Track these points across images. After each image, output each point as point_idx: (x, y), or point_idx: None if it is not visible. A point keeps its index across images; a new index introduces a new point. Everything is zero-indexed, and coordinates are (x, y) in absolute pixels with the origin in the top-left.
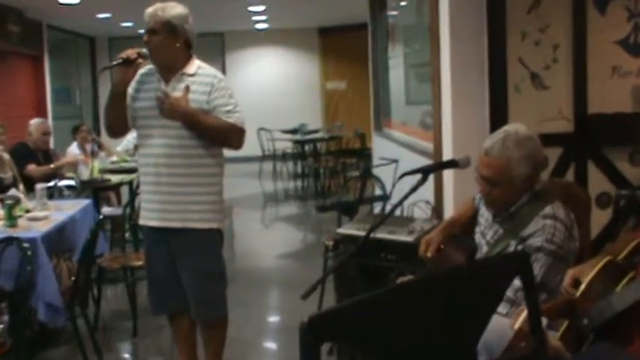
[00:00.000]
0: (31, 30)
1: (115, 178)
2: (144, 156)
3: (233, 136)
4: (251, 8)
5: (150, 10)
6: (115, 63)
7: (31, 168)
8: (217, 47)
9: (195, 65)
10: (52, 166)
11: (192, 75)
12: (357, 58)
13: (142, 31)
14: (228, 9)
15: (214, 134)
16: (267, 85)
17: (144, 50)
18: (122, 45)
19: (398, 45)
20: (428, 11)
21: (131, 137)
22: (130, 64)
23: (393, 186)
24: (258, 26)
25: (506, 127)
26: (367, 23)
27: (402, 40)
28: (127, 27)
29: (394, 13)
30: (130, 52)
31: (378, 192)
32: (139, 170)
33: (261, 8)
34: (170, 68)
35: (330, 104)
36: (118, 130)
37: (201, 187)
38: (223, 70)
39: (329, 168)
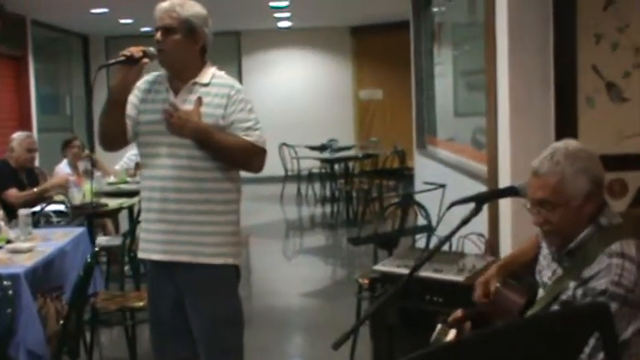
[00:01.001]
0: (12, 26)
1: (112, 203)
2: (148, 178)
3: (253, 157)
4: (272, 3)
5: (165, 4)
6: (115, 60)
7: (12, 193)
8: (232, 49)
9: (210, 73)
10: (35, 190)
11: (206, 85)
12: (396, 62)
13: (145, 29)
14: (246, 4)
15: (231, 155)
16: (291, 94)
17: (151, 49)
18: (120, 45)
19: (445, 47)
20: (482, 7)
21: (131, 154)
22: (133, 64)
23: (441, 217)
24: (281, 24)
25: (553, 144)
26: (408, 21)
27: (451, 42)
28: (126, 24)
29: (442, 9)
30: (135, 50)
31: (421, 222)
32: (142, 194)
33: (284, 3)
34: (182, 76)
35: (364, 116)
36: (113, 142)
37: (216, 215)
38: (239, 76)
39: (363, 191)
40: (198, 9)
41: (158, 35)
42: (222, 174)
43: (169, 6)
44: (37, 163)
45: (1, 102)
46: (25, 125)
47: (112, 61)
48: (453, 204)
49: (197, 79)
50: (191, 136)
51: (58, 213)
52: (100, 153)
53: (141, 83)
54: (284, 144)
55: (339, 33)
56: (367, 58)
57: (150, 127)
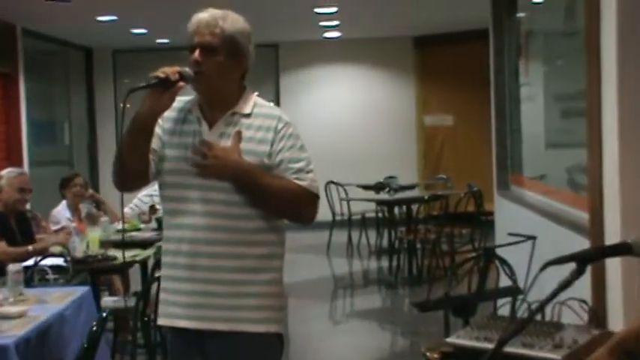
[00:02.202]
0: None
1: (122, 255)
2: (174, 227)
3: (305, 205)
4: (318, 9)
5: (205, 16)
6: (148, 84)
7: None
8: (268, 64)
9: (251, 102)
10: (30, 248)
11: (248, 115)
12: (471, 81)
13: (161, 41)
14: (286, 10)
15: (279, 203)
16: (339, 120)
17: (187, 70)
18: (131, 60)
19: (535, 63)
20: (583, 13)
21: (144, 195)
22: (167, 87)
23: (533, 280)
24: (328, 34)
25: None
26: (487, 30)
27: (542, 56)
28: (139, 35)
29: (530, 14)
30: (170, 71)
31: (504, 282)
32: (165, 247)
33: (332, 9)
34: (220, 104)
35: (430, 148)
36: (134, 181)
37: (256, 273)
38: (277, 97)
39: (430, 242)
40: (243, 24)
41: (196, 54)
42: (264, 223)
43: (211, 19)
44: (29, 205)
45: None
46: (14, 158)
47: (144, 84)
48: (547, 264)
49: (237, 109)
50: (231, 179)
51: (55, 268)
52: (106, 193)
53: (167, 111)
54: (331, 182)
55: (400, 45)
56: (434, 76)
57: (177, 165)
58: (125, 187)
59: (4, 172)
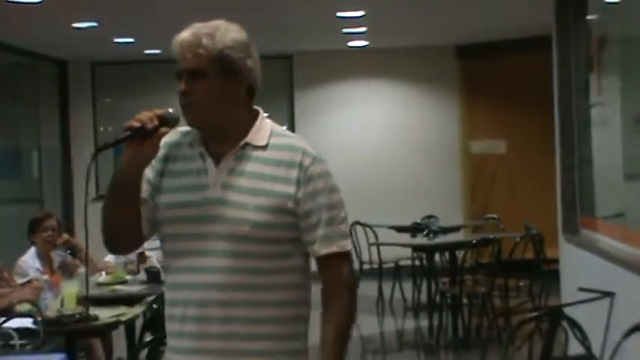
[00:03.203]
0: None
1: (104, 314)
2: (177, 287)
3: (348, 284)
4: (342, 13)
5: (185, 35)
6: (118, 139)
7: None
8: (280, 79)
9: (266, 130)
10: None
11: (263, 148)
12: (529, 99)
13: (150, 51)
14: (302, 14)
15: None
16: (367, 147)
17: (170, 111)
18: (115, 75)
19: (610, 78)
20: None
21: None
22: (145, 137)
23: (615, 346)
24: (353, 43)
25: None
26: (549, 37)
27: (619, 69)
28: (125, 44)
29: (602, 18)
30: (147, 117)
31: (575, 349)
32: (168, 312)
33: (359, 13)
34: (226, 136)
35: (478, 181)
36: (124, 243)
37: (279, 341)
38: (290, 119)
39: (479, 296)
40: (235, 34)
41: (182, 85)
42: (289, 279)
43: (192, 38)
44: None
45: None
46: None
47: (115, 139)
48: (634, 329)
49: (248, 139)
50: None
51: (22, 331)
52: (84, 237)
53: (162, 148)
54: (358, 223)
55: (440, 55)
56: (482, 93)
57: (178, 213)
58: (117, 250)
59: None
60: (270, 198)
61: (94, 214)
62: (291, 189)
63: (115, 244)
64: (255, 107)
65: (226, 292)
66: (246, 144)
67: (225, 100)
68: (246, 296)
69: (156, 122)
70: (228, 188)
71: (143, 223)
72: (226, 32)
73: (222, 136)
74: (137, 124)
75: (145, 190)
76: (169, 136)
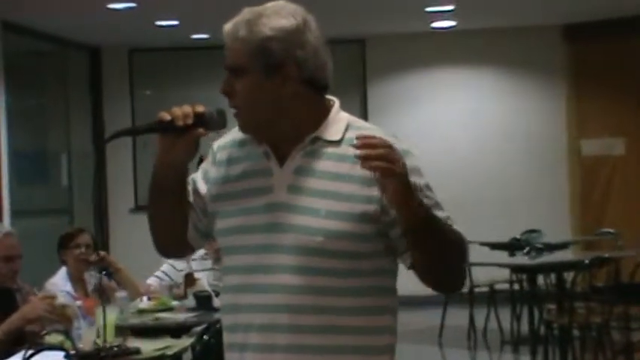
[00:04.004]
0: None
1: (147, 347)
2: (234, 310)
3: (464, 260)
4: None
5: (227, 24)
6: (139, 127)
7: None
8: (351, 67)
9: (341, 122)
10: None
11: (336, 143)
12: None
13: (197, 36)
14: None
15: (452, 258)
16: (454, 146)
17: (214, 111)
18: (156, 63)
19: None
20: None
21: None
22: (179, 135)
23: None
24: (438, 24)
25: None
26: None
27: None
28: (167, 28)
29: None
30: (181, 112)
31: None
32: (226, 339)
33: None
34: (290, 134)
35: (590, 188)
36: (171, 248)
37: None
38: (363, 113)
39: (593, 327)
40: (280, 21)
41: (223, 85)
42: (370, 301)
43: (232, 28)
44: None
45: None
46: None
47: (134, 127)
48: None
49: (318, 133)
50: (418, 211)
51: None
52: (121, 255)
53: (219, 147)
54: None
55: (542, 37)
56: (595, 82)
57: (238, 222)
58: (168, 255)
59: None
60: (347, 202)
61: (133, 228)
62: (373, 190)
63: (159, 246)
64: (330, 98)
65: (293, 315)
66: (316, 138)
67: (270, 99)
68: (317, 321)
69: (189, 121)
70: (295, 191)
71: (190, 229)
72: (270, 19)
73: (283, 137)
74: (167, 117)
75: (194, 195)
76: (230, 136)
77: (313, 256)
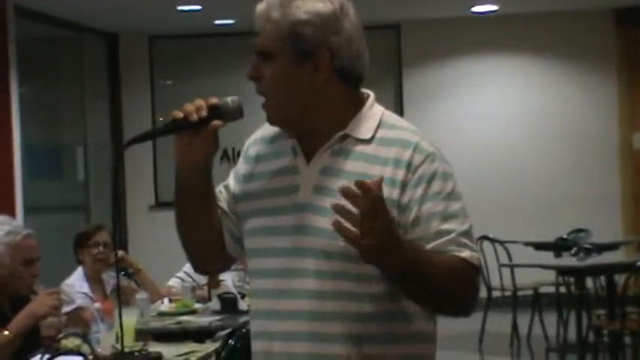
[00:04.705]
0: None
1: (168, 352)
2: (258, 316)
3: (467, 290)
4: None
5: (260, 4)
6: (154, 130)
7: None
8: (385, 55)
9: (374, 121)
10: (6, 332)
11: (367, 141)
12: None
13: (220, 22)
14: None
15: (437, 291)
16: (497, 141)
17: (229, 101)
18: (178, 51)
19: None
20: None
21: None
22: (196, 131)
23: None
24: (478, 8)
25: None
26: None
27: None
28: (190, 13)
29: None
30: (193, 107)
31: None
32: (253, 347)
33: None
34: (314, 131)
35: None
36: (205, 261)
37: None
38: (398, 105)
39: None
40: (315, 4)
41: (250, 69)
42: (396, 307)
43: (264, 8)
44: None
45: None
46: (2, 202)
47: (150, 131)
48: None
49: (348, 130)
50: (387, 259)
51: None
52: (141, 255)
53: (249, 144)
54: (486, 238)
55: (591, 22)
56: None
57: (262, 222)
58: (201, 269)
59: (0, 232)
60: None
61: (153, 225)
62: (394, 193)
63: (194, 262)
64: (365, 91)
65: (316, 322)
66: (346, 136)
67: (299, 88)
68: (340, 329)
69: (203, 114)
70: (320, 192)
71: (227, 239)
72: (305, 1)
73: (312, 131)
74: (180, 115)
75: (224, 199)
76: (262, 131)
77: (336, 261)
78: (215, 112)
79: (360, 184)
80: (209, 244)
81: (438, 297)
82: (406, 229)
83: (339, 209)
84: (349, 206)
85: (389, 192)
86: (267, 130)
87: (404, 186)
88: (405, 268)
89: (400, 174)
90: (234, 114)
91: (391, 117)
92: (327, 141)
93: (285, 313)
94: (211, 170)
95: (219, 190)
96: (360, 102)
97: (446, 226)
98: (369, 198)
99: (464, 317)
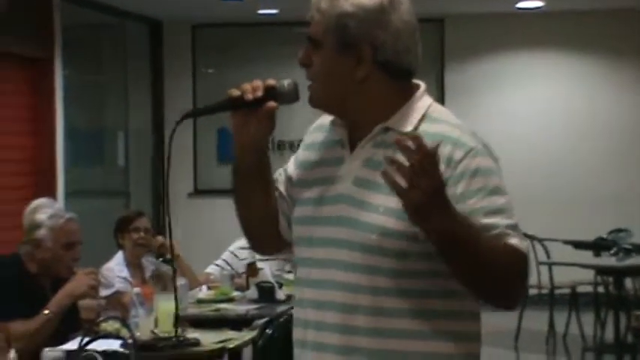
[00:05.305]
0: (27, 7)
1: (206, 339)
2: (298, 304)
3: (518, 280)
4: None
5: None
6: (210, 106)
7: (14, 327)
8: (428, 48)
9: (418, 112)
10: (45, 312)
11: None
12: None
13: (265, 11)
14: None
15: (488, 276)
16: (538, 137)
17: (285, 83)
18: (221, 40)
19: None
20: None
21: (240, 247)
22: (251, 111)
23: None
24: (524, 4)
25: None
26: None
27: None
28: (234, 2)
29: None
30: (250, 87)
31: None
32: (294, 336)
33: None
34: (358, 121)
35: None
36: (262, 242)
37: None
38: (440, 99)
39: None
40: None
41: (300, 54)
42: (430, 304)
43: None
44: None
45: (2, 142)
46: (44, 185)
47: (206, 106)
48: None
49: (390, 123)
50: (438, 228)
51: (109, 355)
52: (181, 241)
53: (309, 131)
54: (524, 236)
55: (634, 21)
56: None
57: (306, 212)
58: (259, 249)
59: (43, 215)
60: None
61: (191, 213)
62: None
63: (250, 242)
64: (417, 83)
65: (346, 314)
66: (388, 128)
67: (341, 78)
68: (369, 323)
69: (259, 94)
70: (360, 184)
71: (281, 221)
72: None
73: (356, 122)
74: (236, 93)
75: (282, 181)
76: (321, 120)
77: (369, 254)
78: (271, 93)
79: (415, 138)
80: (263, 226)
81: (484, 277)
82: None
83: (390, 160)
84: (386, 201)
85: None
86: (326, 118)
87: (445, 182)
88: (450, 234)
89: (440, 169)
90: (289, 96)
91: (437, 110)
92: (369, 133)
93: (318, 303)
94: (266, 151)
95: (279, 172)
96: (406, 94)
97: (491, 220)
98: (421, 153)
99: (509, 309)
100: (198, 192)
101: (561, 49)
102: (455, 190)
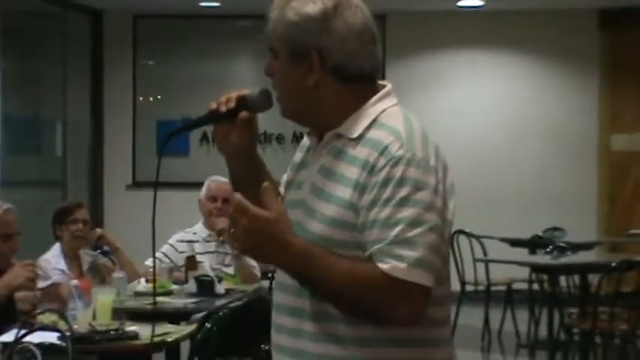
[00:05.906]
0: None
1: (145, 332)
2: (275, 307)
3: (386, 302)
4: None
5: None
6: (191, 122)
7: None
8: None
9: (368, 118)
10: None
11: (355, 141)
12: None
13: (207, 4)
14: None
15: (343, 301)
16: (477, 137)
17: (255, 92)
18: (162, 31)
19: None
20: None
21: (177, 240)
22: (231, 123)
23: None
24: (464, 3)
25: None
26: None
27: None
28: None
29: None
30: (224, 99)
31: None
32: (273, 329)
33: None
34: (317, 127)
35: (620, 186)
36: None
37: None
38: None
39: (618, 335)
40: (307, 6)
41: (267, 66)
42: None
43: (271, 6)
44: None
45: None
46: None
47: (188, 122)
48: None
49: (341, 129)
50: (265, 261)
51: (46, 348)
52: (119, 233)
53: (305, 135)
54: (461, 232)
55: (575, 22)
56: (631, 73)
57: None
58: None
59: None
60: (332, 205)
61: (130, 205)
62: (353, 196)
63: None
64: (381, 83)
65: (294, 318)
66: (339, 134)
67: (296, 88)
68: (314, 328)
69: (232, 105)
70: (313, 190)
71: None
72: (299, 2)
73: (318, 129)
74: (214, 106)
75: (281, 182)
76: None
77: None
78: (243, 103)
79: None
80: None
81: (341, 303)
82: (360, 233)
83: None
84: (322, 208)
85: (349, 193)
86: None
87: (363, 189)
88: (291, 271)
89: (363, 176)
90: (262, 105)
91: (389, 115)
92: (323, 139)
93: (276, 305)
94: (256, 158)
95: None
96: (361, 99)
97: (383, 234)
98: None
99: (390, 326)
100: (137, 184)
101: (501, 48)
102: (367, 198)
